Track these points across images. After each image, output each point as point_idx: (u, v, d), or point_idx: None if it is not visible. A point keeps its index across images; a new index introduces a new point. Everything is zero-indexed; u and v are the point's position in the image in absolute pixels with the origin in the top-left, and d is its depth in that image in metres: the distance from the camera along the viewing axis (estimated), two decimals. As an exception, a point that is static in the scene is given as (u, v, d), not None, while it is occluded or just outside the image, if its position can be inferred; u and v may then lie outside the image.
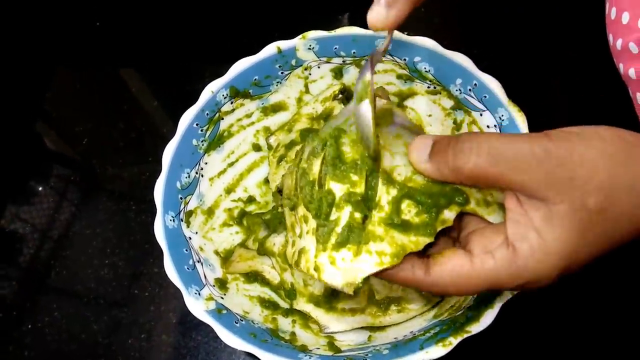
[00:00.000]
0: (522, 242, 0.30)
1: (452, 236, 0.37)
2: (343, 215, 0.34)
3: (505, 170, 0.30)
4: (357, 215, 0.33)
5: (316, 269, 0.34)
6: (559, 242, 0.29)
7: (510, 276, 0.30)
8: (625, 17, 0.46)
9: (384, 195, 0.33)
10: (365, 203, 0.33)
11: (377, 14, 0.34)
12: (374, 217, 0.33)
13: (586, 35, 0.53)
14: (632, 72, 0.46)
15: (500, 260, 0.30)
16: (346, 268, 0.33)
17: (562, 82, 0.64)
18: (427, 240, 0.33)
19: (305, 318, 0.49)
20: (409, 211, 0.33)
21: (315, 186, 0.35)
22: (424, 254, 0.34)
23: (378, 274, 0.33)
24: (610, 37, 0.49)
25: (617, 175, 0.29)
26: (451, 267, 0.32)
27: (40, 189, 0.64)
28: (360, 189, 0.33)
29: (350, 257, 0.33)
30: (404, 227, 0.32)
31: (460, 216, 0.35)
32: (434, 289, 0.33)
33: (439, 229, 0.33)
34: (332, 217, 0.34)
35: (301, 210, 0.36)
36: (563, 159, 0.29)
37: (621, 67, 0.48)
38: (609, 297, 0.52)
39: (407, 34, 0.50)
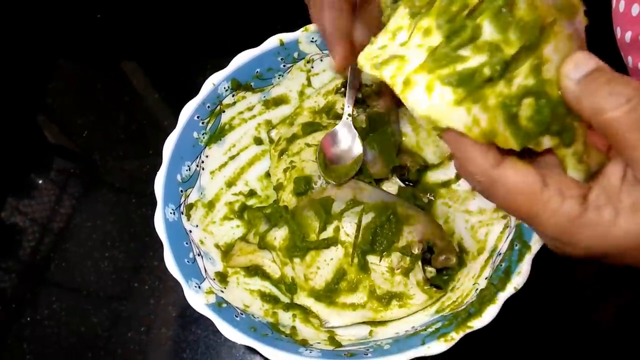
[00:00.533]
0: (595, 211, 0.28)
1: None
2: (475, 58, 0.29)
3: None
4: (487, 70, 0.29)
5: (406, 82, 0.30)
6: (628, 235, 0.28)
7: (559, 228, 0.29)
8: (635, 9, 0.46)
9: (520, 78, 0.30)
10: (503, 69, 0.29)
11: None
12: (499, 86, 0.30)
13: (590, 30, 0.52)
14: None
15: (566, 210, 0.29)
16: (437, 105, 0.30)
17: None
18: (514, 146, 0.30)
19: (306, 312, 0.48)
20: (525, 110, 0.30)
21: (466, 10, 0.30)
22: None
23: (456, 137, 0.30)
24: (618, 30, 0.49)
25: None
26: (522, 179, 0.29)
27: (40, 181, 0.63)
28: (509, 50, 0.29)
29: (450, 100, 0.29)
30: (511, 117, 0.30)
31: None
32: (486, 186, 0.30)
33: (529, 146, 0.30)
34: (462, 52, 0.30)
35: (427, 21, 0.31)
36: None
37: (630, 60, 0.48)
38: (612, 294, 0.52)
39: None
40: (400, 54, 0.31)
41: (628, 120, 0.27)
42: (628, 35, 0.47)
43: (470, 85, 0.29)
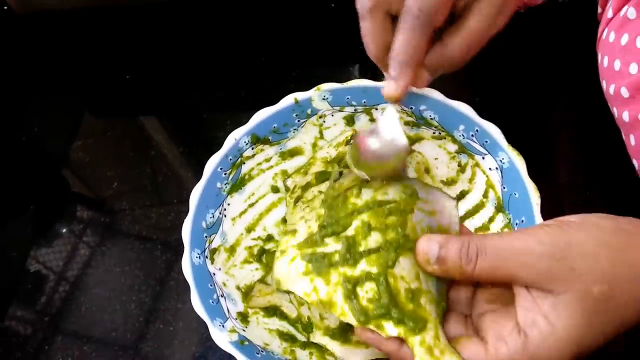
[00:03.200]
0: (532, 328, 0.31)
1: (462, 312, 0.38)
2: (332, 245, 0.38)
3: (511, 270, 0.32)
4: (336, 257, 0.37)
5: (282, 251, 0.40)
6: (568, 328, 0.30)
7: None
8: (617, 65, 0.50)
9: (363, 264, 0.36)
10: (349, 259, 0.37)
11: (389, 89, 0.40)
12: (343, 268, 0.37)
13: (580, 83, 0.57)
14: (625, 115, 0.50)
15: (514, 347, 0.31)
16: (289, 273, 0.39)
17: (559, 127, 0.68)
18: (352, 321, 0.35)
19: (322, 350, 0.51)
20: (366, 292, 0.35)
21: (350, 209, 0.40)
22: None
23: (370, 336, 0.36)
24: (604, 83, 0.53)
25: (619, 264, 0.30)
26: (467, 356, 0.33)
27: (65, 230, 0.68)
28: (363, 248, 0.37)
29: (300, 271, 0.38)
30: (348, 295, 0.36)
31: (473, 292, 0.37)
32: None
33: (372, 327, 0.35)
34: (327, 239, 0.39)
35: (322, 210, 0.42)
36: (562, 252, 0.31)
37: (615, 111, 0.52)
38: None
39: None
40: (296, 229, 0.42)
41: (489, 267, 0.33)
42: (612, 88, 0.51)
43: (319, 264, 0.37)
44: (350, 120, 0.59)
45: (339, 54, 0.77)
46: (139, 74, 0.78)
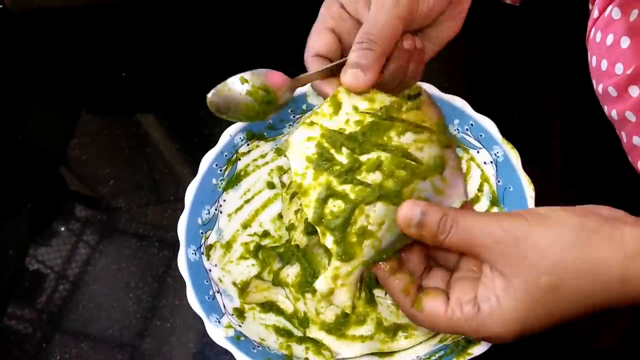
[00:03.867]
0: (484, 303, 0.35)
1: (449, 268, 0.41)
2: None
3: (475, 248, 0.35)
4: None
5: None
6: (513, 311, 0.34)
7: (471, 329, 0.36)
8: (604, 64, 0.51)
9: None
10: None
11: (354, 77, 0.39)
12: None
13: (575, 78, 0.57)
14: (614, 113, 0.50)
15: (466, 315, 0.35)
16: None
17: (554, 121, 0.68)
18: None
19: (318, 345, 0.51)
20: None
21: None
22: (420, 283, 0.40)
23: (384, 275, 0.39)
24: (594, 82, 0.54)
25: (570, 260, 0.33)
26: (429, 307, 0.37)
27: (63, 228, 0.68)
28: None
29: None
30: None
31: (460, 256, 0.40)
32: (413, 319, 0.39)
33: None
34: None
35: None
36: (518, 241, 0.34)
37: (605, 108, 0.53)
38: (613, 322, 0.55)
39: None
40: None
41: (458, 241, 0.36)
42: (600, 87, 0.52)
43: (322, 161, 0.39)
44: (345, 116, 0.59)
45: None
46: (135, 72, 0.78)
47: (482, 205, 0.55)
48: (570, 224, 0.34)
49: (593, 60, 0.53)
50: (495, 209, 0.54)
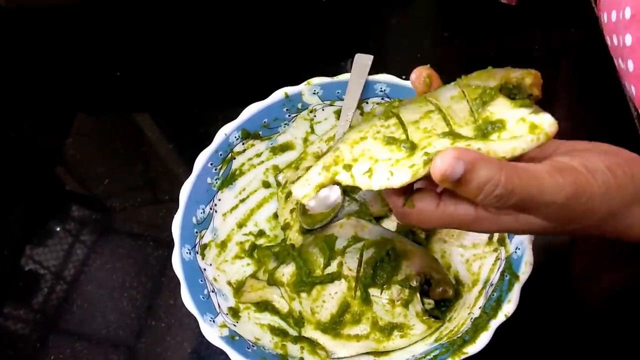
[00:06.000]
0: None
1: None
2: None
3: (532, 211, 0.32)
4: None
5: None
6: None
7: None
8: (629, 39, 0.51)
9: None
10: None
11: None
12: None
13: (575, 80, 0.57)
14: (628, 39, 0.51)
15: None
16: None
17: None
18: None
19: (313, 344, 0.51)
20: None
21: None
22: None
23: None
24: (604, 16, 0.55)
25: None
26: (419, 206, 0.34)
27: (58, 228, 0.68)
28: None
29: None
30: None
31: None
32: (403, 219, 0.35)
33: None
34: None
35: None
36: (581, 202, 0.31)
37: (614, 38, 0.53)
38: (601, 322, 0.55)
39: (404, 79, 0.55)
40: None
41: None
42: (613, 14, 0.52)
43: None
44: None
45: (329, 49, 0.77)
46: (130, 71, 0.78)
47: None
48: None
49: (614, 39, 0.53)
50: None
